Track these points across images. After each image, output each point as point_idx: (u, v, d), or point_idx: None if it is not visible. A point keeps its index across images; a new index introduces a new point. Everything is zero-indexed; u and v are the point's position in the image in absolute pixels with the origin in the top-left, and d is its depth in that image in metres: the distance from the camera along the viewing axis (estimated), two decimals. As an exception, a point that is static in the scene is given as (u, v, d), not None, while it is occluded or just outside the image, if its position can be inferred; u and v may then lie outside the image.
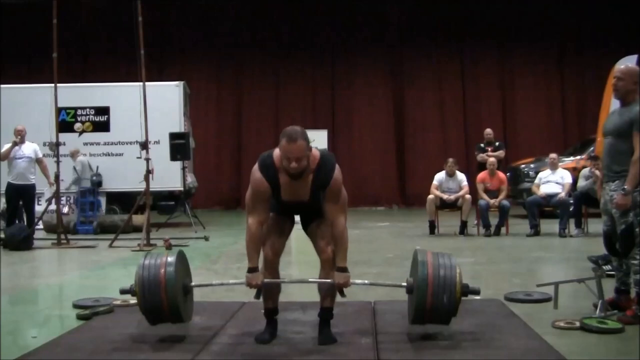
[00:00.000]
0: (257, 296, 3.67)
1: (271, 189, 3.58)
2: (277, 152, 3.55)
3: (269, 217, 3.68)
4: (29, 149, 9.18)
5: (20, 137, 9.12)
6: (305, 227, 3.83)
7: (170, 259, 3.73)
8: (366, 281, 4.15)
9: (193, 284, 3.98)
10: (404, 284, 3.75)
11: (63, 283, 6.54)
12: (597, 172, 8.35)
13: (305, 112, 16.21)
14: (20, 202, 9.25)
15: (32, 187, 9.21)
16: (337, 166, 3.61)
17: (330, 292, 3.74)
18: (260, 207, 3.60)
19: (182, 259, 3.87)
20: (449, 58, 16.40)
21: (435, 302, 3.55)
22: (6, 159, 9.11)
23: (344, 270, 3.59)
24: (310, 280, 3.65)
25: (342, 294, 3.68)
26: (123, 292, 3.80)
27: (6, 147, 9.14)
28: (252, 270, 3.59)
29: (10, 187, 9.11)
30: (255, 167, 3.61)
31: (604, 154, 4.54)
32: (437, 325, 3.75)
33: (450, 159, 10.03)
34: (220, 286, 4.07)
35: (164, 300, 3.63)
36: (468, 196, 9.70)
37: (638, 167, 4.13)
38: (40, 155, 9.37)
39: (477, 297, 4.51)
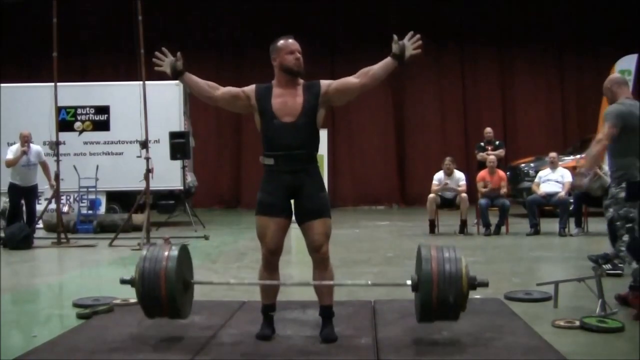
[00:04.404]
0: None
1: (261, 101, 3.80)
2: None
3: (227, 92, 3.98)
4: (34, 153, 9.22)
5: (27, 143, 9.12)
6: (299, 219, 3.69)
7: (173, 253, 3.70)
8: (369, 282, 4.08)
9: (194, 280, 3.94)
10: (409, 282, 3.66)
11: (63, 282, 6.54)
12: (597, 170, 8.35)
13: (305, 111, 16.16)
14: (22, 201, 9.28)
15: (35, 187, 9.38)
16: None
17: (328, 290, 3.72)
18: (224, 88, 4.00)
19: (184, 253, 3.84)
20: (449, 58, 16.38)
21: (441, 298, 3.43)
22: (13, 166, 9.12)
23: None
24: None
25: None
26: (123, 282, 3.75)
27: (13, 155, 9.08)
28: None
29: (14, 187, 9.15)
30: None
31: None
32: (439, 322, 3.73)
33: (448, 158, 10.03)
34: (220, 285, 4.02)
35: (163, 295, 3.59)
36: (464, 195, 9.70)
37: (596, 149, 4.30)
38: (44, 158, 9.43)
39: (478, 297, 4.53)
